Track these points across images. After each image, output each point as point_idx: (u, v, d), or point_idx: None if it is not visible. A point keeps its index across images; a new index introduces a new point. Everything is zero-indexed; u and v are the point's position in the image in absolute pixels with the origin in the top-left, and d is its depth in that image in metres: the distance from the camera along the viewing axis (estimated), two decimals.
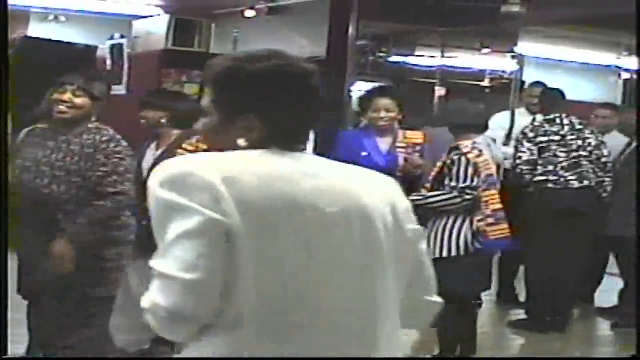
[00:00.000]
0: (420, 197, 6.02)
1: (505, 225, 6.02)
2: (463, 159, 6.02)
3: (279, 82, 2.30)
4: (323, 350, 2.17)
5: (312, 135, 2.45)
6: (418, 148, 6.45)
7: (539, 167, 7.70)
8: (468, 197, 5.96)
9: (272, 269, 2.13)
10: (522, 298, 8.72)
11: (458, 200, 5.98)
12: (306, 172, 2.25)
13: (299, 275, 2.16)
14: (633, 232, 7.83)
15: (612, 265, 8.63)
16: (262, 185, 2.15)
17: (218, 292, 2.08)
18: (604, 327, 8.21)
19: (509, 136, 8.84)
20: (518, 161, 7.76)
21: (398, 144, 6.43)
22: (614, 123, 8.77)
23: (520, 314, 8.23)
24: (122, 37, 12.10)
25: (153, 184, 2.14)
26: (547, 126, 7.81)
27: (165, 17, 12.86)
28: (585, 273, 8.14)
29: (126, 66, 11.86)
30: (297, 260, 2.16)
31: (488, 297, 8.70)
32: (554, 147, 7.72)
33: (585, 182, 7.72)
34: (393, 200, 2.36)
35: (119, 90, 11.02)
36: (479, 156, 6.05)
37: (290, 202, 2.16)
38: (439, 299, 2.47)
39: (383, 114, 6.35)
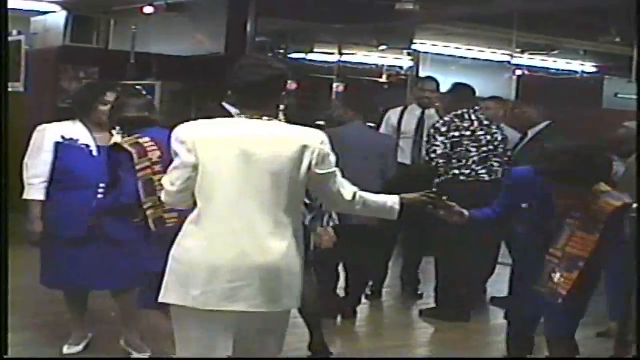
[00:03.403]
0: None
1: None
2: None
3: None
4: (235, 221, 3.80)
5: None
6: None
7: (453, 161, 7.91)
8: None
9: (212, 181, 3.80)
10: (420, 289, 8.97)
11: None
12: (252, 127, 3.87)
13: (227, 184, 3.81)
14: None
15: (504, 255, 8.83)
16: (218, 135, 3.85)
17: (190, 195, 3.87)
18: (497, 316, 8.42)
19: (398, 130, 9.04)
20: (432, 154, 7.95)
21: None
22: (499, 115, 9.00)
23: (422, 304, 8.45)
24: (20, 33, 12.00)
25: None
26: (457, 121, 8.01)
27: (63, 13, 12.77)
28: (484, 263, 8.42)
29: (23, 63, 11.77)
30: (228, 176, 3.80)
31: (390, 289, 8.95)
32: (465, 142, 7.95)
33: (493, 175, 7.97)
34: (313, 148, 3.88)
35: (17, 87, 10.94)
36: None
37: (227, 144, 3.81)
38: (347, 197, 4.06)
39: None
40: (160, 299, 3.90)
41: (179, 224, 4.03)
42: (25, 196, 5.87)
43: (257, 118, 3.89)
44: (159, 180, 4.73)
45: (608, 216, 4.88)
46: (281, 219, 3.85)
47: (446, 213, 4.91)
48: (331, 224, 6.32)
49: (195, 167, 3.80)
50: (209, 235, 3.80)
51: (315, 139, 3.93)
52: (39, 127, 5.99)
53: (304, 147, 3.86)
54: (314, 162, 3.89)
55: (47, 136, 5.88)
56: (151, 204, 5.05)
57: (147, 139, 5.16)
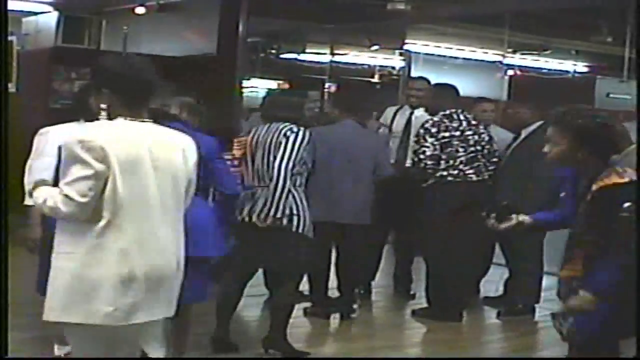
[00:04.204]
0: None
1: None
2: None
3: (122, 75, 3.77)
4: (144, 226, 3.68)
5: None
6: None
7: (442, 162, 7.90)
8: None
9: (120, 191, 3.60)
10: (413, 289, 8.95)
11: None
12: (143, 132, 3.72)
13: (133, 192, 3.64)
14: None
15: (497, 255, 8.82)
16: (122, 143, 3.63)
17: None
18: (491, 316, 8.43)
19: (390, 130, 9.03)
20: (421, 156, 7.91)
21: None
22: (494, 116, 9.03)
23: (414, 304, 8.44)
24: (12, 34, 11.95)
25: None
26: (447, 121, 7.99)
27: (55, 14, 12.75)
28: (477, 263, 8.41)
29: (15, 64, 11.73)
30: (135, 184, 3.65)
31: (382, 289, 8.95)
32: (455, 142, 7.94)
33: (481, 176, 7.97)
34: (190, 155, 3.87)
35: (9, 88, 10.89)
36: None
37: (134, 151, 3.65)
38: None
39: None
40: (60, 319, 3.71)
41: None
42: (26, 202, 5.73)
43: (140, 120, 3.76)
44: None
45: (595, 192, 4.05)
46: (177, 225, 3.83)
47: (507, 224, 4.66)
48: None
49: (105, 177, 3.61)
50: (120, 248, 3.62)
51: (192, 144, 3.92)
52: (42, 130, 5.72)
53: (184, 152, 3.85)
54: (193, 166, 3.90)
55: (50, 140, 5.57)
56: None
57: None
